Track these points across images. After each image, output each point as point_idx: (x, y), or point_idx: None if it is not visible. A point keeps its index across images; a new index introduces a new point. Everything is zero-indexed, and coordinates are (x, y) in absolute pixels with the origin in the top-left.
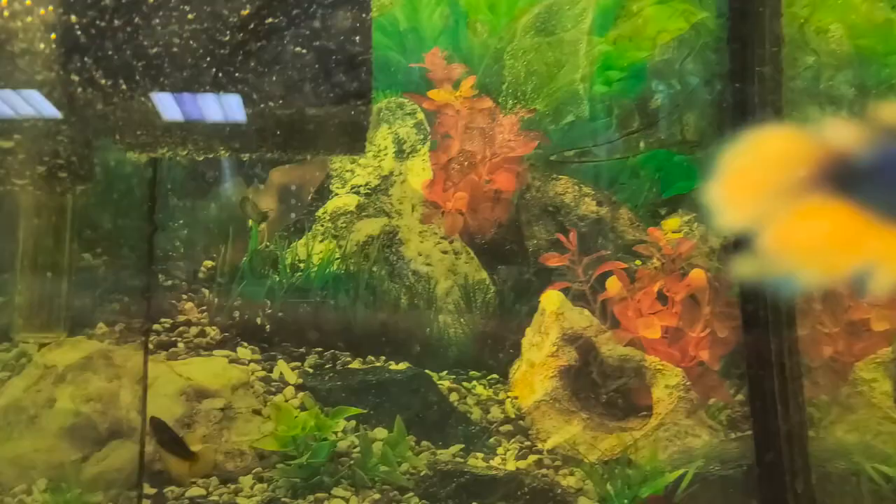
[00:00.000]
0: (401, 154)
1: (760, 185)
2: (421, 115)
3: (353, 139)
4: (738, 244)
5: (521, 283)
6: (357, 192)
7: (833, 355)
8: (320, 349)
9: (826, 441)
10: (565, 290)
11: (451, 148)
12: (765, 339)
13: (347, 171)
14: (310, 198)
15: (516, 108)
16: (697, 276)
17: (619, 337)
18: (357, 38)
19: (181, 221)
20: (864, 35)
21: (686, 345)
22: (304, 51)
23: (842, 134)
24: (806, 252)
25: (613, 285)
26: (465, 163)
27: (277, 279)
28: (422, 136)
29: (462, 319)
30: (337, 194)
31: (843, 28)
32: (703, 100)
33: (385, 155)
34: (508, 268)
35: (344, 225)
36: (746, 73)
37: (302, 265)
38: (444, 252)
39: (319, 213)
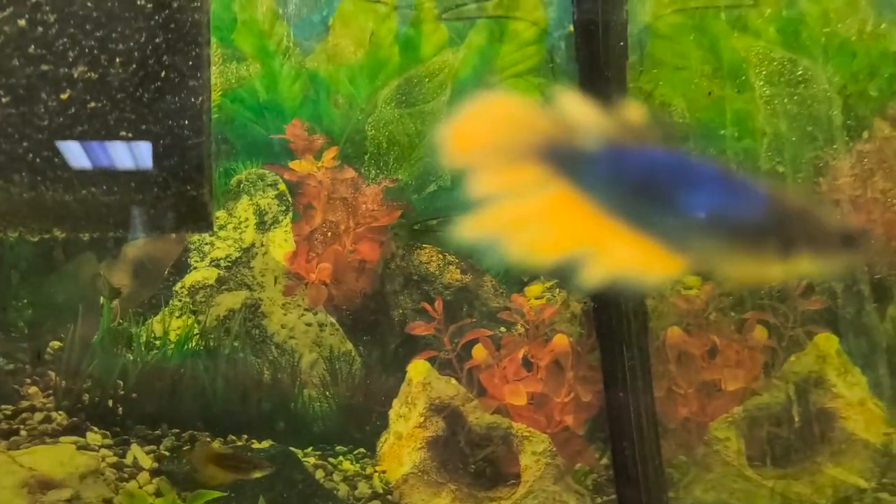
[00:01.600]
0: (262, 226)
1: (481, 141)
2: (283, 186)
3: (197, 218)
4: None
5: (387, 353)
6: (217, 266)
7: (688, 416)
8: (177, 430)
9: (685, 501)
10: (432, 360)
11: (313, 218)
12: (624, 402)
13: (207, 244)
14: (167, 272)
15: (379, 178)
16: (560, 341)
17: (486, 405)
18: (188, 121)
19: (25, 301)
20: (702, 109)
21: (551, 410)
22: (130, 134)
23: (578, 115)
24: (517, 225)
25: (479, 353)
26: (329, 233)
27: (131, 358)
28: (284, 208)
29: (328, 392)
30: (196, 268)
31: (683, 102)
32: None
33: (246, 227)
34: (374, 338)
35: (203, 299)
36: None
37: (158, 342)
38: (309, 324)
39: (177, 287)
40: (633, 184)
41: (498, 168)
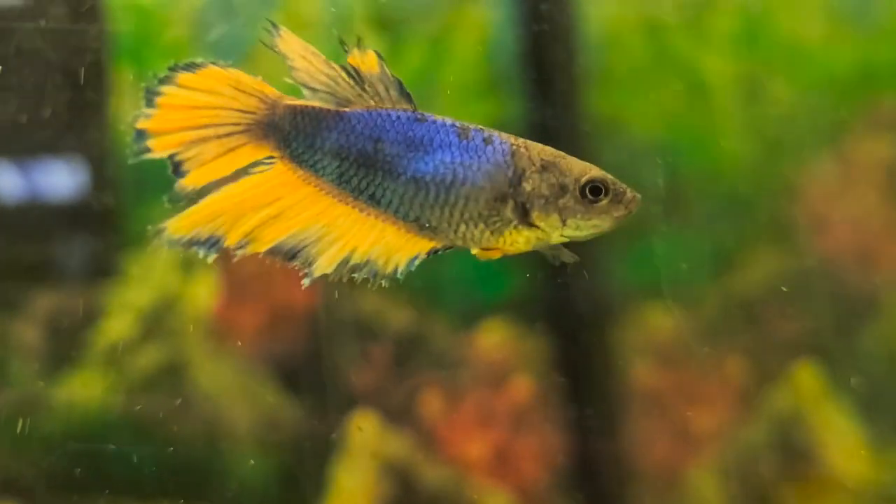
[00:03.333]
0: (187, 269)
1: (190, 118)
2: None
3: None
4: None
5: (328, 406)
6: (137, 315)
7: (661, 459)
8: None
9: None
10: (378, 411)
11: (244, 260)
12: (590, 447)
13: (125, 290)
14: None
15: None
16: (520, 384)
17: (442, 459)
18: (93, 159)
19: None
20: (658, 127)
21: (514, 461)
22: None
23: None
24: (237, 214)
25: (431, 401)
26: (261, 275)
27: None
28: None
29: (265, 451)
30: (113, 318)
31: (639, 119)
32: None
33: (168, 271)
34: (313, 390)
35: (123, 353)
36: None
37: (76, 404)
38: (240, 377)
39: (93, 340)
40: (360, 151)
41: (207, 153)
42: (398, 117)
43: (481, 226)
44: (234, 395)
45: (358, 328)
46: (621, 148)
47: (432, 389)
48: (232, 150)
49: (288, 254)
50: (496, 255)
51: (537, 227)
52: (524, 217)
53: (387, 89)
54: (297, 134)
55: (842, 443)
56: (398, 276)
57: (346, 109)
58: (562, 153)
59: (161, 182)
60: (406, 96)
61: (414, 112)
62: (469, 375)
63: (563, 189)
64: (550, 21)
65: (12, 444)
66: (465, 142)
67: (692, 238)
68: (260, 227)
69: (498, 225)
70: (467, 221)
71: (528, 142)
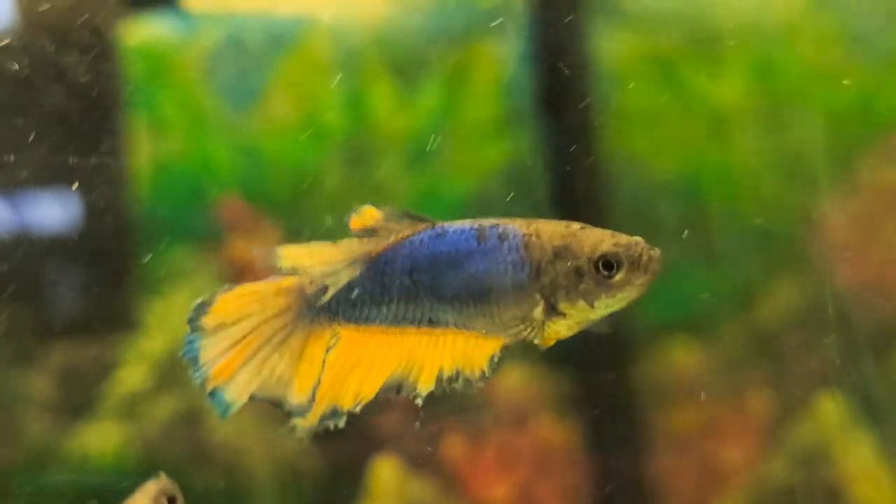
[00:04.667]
0: None
1: (245, 347)
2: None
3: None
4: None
5: (348, 451)
6: (152, 364)
7: (686, 497)
8: None
9: None
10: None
11: None
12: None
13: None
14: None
15: None
16: (543, 425)
17: (465, 501)
18: (105, 204)
19: None
20: (676, 163)
21: (539, 501)
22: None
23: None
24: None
25: (454, 444)
26: None
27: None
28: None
29: (284, 501)
30: (127, 368)
31: (655, 155)
32: None
33: (183, 318)
34: (332, 435)
35: (138, 403)
36: None
37: (91, 458)
38: (258, 424)
39: (107, 391)
40: (400, 289)
41: (280, 368)
42: (421, 241)
43: (522, 325)
44: (253, 443)
45: None
46: (640, 183)
47: (455, 432)
48: (299, 350)
49: (393, 390)
50: (552, 342)
51: (570, 314)
52: (553, 310)
53: (398, 222)
54: (337, 305)
55: (867, 474)
56: (487, 376)
57: (372, 255)
58: (574, 228)
59: (176, 227)
60: (418, 218)
61: (434, 228)
62: (491, 417)
63: (578, 274)
64: (566, 57)
65: (28, 498)
66: (483, 245)
67: (713, 272)
68: (359, 386)
69: (534, 324)
70: (510, 324)
71: (541, 224)
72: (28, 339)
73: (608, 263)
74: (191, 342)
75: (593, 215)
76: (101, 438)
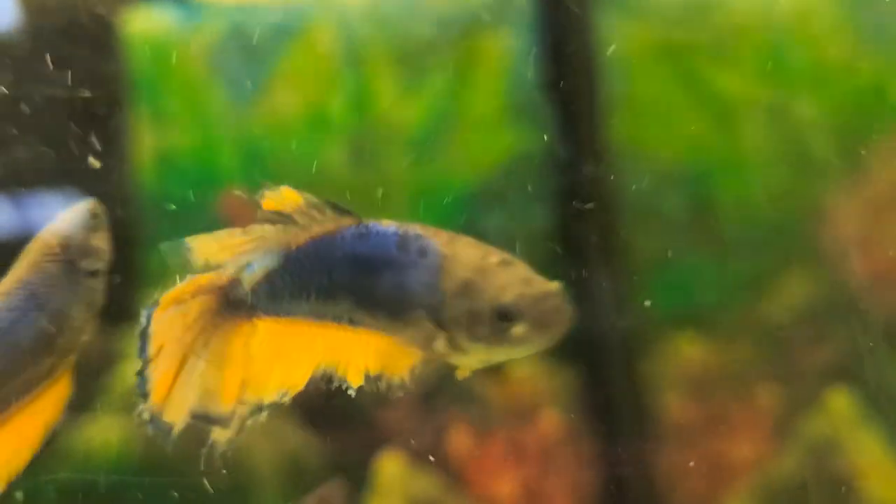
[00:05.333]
0: None
1: (174, 361)
2: None
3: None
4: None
5: (352, 447)
6: None
7: (694, 491)
8: None
9: None
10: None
11: None
12: (622, 482)
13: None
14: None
15: None
16: (549, 419)
17: (471, 496)
18: (106, 197)
19: None
20: (685, 154)
21: (547, 499)
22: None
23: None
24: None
25: (459, 440)
26: None
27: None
28: None
29: (286, 497)
30: (130, 360)
31: (665, 146)
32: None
33: None
34: (336, 430)
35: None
36: None
37: (95, 453)
38: (261, 418)
39: (110, 384)
40: (318, 287)
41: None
42: (343, 238)
43: (425, 351)
44: (258, 438)
45: None
46: (646, 176)
47: (460, 427)
48: (222, 352)
49: (323, 380)
50: (467, 373)
51: (470, 353)
52: (454, 345)
53: (320, 213)
54: (256, 298)
55: (878, 469)
56: (408, 386)
57: (290, 246)
58: (492, 261)
59: (182, 221)
60: (341, 210)
61: (357, 226)
62: (497, 412)
63: (478, 318)
64: (571, 49)
65: (29, 492)
66: (402, 255)
67: (721, 265)
68: (284, 377)
69: (436, 354)
70: (416, 344)
71: (462, 247)
72: None
73: (507, 315)
74: (140, 374)
75: (601, 207)
76: (104, 433)
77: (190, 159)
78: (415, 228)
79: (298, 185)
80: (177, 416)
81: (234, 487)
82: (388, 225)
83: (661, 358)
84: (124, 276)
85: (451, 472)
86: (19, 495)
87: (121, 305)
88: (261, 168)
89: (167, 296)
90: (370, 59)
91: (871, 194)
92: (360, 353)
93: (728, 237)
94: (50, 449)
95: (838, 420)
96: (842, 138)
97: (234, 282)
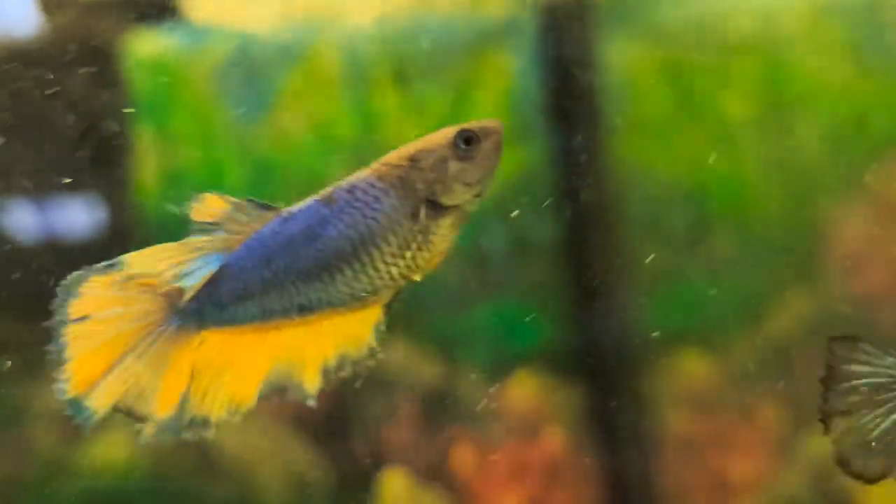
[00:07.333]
0: None
1: (109, 349)
2: None
3: None
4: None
5: (356, 464)
6: None
7: None
8: None
9: None
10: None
11: None
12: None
13: None
14: None
15: None
16: (553, 436)
17: None
18: (111, 222)
19: None
20: (686, 173)
21: None
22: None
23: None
24: (206, 396)
25: (462, 457)
26: None
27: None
28: None
29: None
30: None
31: (665, 166)
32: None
33: None
34: (340, 448)
35: None
36: None
37: (98, 468)
38: (265, 437)
39: None
40: (261, 281)
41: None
42: (271, 229)
43: (409, 252)
44: (262, 456)
45: (386, 384)
46: (648, 194)
47: (463, 444)
48: (164, 358)
49: (276, 393)
50: (436, 263)
51: (454, 206)
52: (438, 208)
53: (246, 213)
54: (201, 307)
55: (881, 489)
56: (376, 350)
57: (227, 252)
58: (409, 145)
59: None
60: (264, 206)
61: (279, 215)
62: (500, 428)
63: (443, 161)
64: (573, 67)
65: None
66: (335, 207)
67: (723, 282)
68: (232, 392)
69: (424, 234)
70: (394, 259)
71: (377, 162)
72: (38, 349)
73: (467, 139)
74: (55, 333)
75: (603, 224)
76: (110, 449)
77: (196, 179)
78: (326, 189)
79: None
80: (101, 405)
81: (240, 501)
82: (306, 200)
83: (663, 375)
84: None
85: (455, 489)
86: None
87: None
88: (266, 187)
89: (113, 275)
90: (374, 79)
91: (872, 213)
92: (317, 345)
93: (729, 255)
94: (57, 464)
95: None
96: (842, 157)
97: (177, 292)
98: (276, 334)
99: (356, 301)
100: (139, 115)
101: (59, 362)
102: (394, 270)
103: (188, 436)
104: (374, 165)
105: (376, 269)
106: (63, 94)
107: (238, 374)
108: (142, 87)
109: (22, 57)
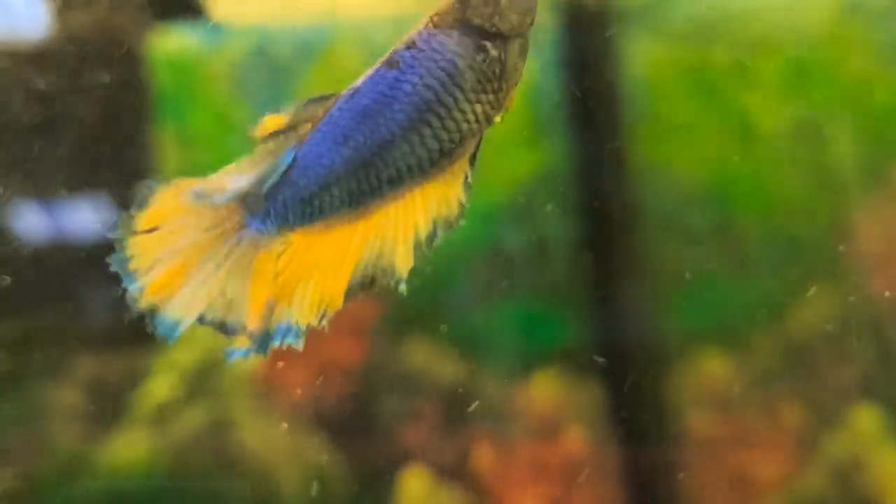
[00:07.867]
0: None
1: (186, 258)
2: None
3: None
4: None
5: (377, 463)
6: (181, 373)
7: None
8: None
9: None
10: (428, 467)
11: None
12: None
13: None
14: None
15: None
16: (573, 436)
17: None
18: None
19: None
20: (708, 172)
21: None
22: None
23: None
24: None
25: (483, 456)
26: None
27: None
28: None
29: None
30: (157, 376)
31: (688, 165)
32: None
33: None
34: (361, 448)
35: (167, 413)
36: None
37: (119, 468)
38: (286, 437)
39: (135, 398)
40: (345, 159)
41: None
42: (339, 108)
43: (490, 84)
44: (282, 455)
45: (406, 383)
46: (670, 193)
47: (484, 443)
48: (247, 267)
49: (364, 287)
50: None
51: (515, 35)
52: (502, 38)
53: (306, 111)
54: (283, 206)
55: None
56: (464, 204)
57: (298, 144)
58: None
59: None
60: (323, 97)
61: (342, 94)
62: (521, 428)
63: None
64: (595, 67)
65: None
66: (401, 67)
67: (745, 282)
68: (321, 294)
69: (496, 66)
70: (476, 96)
71: (424, 17)
72: (58, 349)
73: None
74: (119, 243)
75: (625, 224)
76: (130, 448)
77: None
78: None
79: None
80: (184, 315)
81: (259, 501)
82: (367, 71)
83: (685, 374)
84: None
85: (476, 489)
86: None
87: (141, 326)
88: None
89: (182, 183)
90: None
91: (895, 211)
92: (409, 217)
93: (752, 254)
94: (78, 464)
95: (863, 437)
96: (865, 156)
97: (253, 196)
98: (364, 223)
99: (444, 158)
100: (160, 112)
101: (128, 274)
102: (478, 109)
103: (276, 347)
104: (424, 19)
105: (462, 111)
106: (83, 92)
107: (326, 273)
108: (162, 85)
109: (42, 55)
